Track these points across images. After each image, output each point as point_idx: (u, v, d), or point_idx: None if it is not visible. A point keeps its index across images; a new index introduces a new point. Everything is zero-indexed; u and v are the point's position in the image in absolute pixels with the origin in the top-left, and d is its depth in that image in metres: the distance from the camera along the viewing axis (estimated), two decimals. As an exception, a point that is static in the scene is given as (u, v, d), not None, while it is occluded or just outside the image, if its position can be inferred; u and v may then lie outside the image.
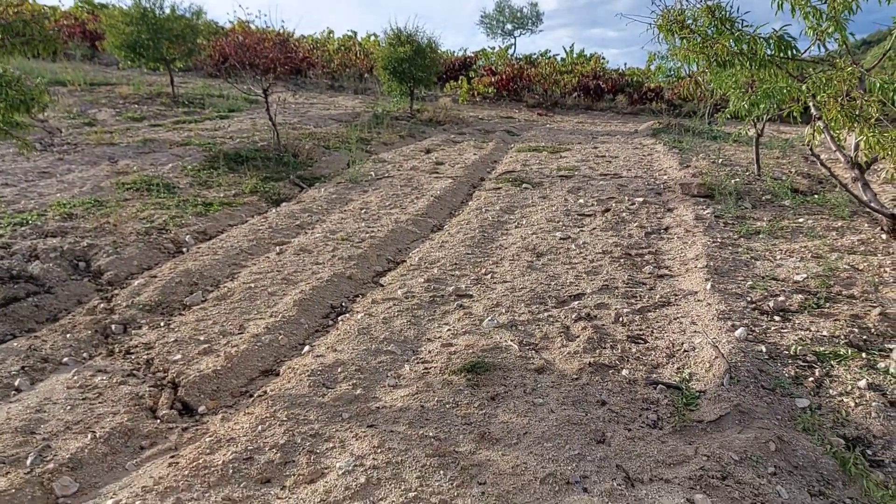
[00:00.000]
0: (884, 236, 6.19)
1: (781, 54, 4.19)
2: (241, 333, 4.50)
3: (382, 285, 5.52)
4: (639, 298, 5.12)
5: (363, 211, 7.67)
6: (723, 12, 4.49)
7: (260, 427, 3.38)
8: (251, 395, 3.84)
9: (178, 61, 14.95)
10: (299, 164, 9.97)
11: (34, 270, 5.13)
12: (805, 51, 4.51)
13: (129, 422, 3.46)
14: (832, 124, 4.31)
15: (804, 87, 4.20)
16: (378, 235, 6.71)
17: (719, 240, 6.47)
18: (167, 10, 14.17)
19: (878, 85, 4.04)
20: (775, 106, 8.05)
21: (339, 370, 3.97)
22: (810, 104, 4.55)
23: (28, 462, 3.10)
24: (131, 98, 14.67)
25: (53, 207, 6.68)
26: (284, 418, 3.45)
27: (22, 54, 4.68)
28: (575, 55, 27.10)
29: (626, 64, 38.22)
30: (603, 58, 25.42)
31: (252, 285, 5.29)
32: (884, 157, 4.33)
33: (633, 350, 4.28)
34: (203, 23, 14.95)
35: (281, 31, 11.98)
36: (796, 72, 4.45)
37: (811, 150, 4.43)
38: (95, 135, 10.47)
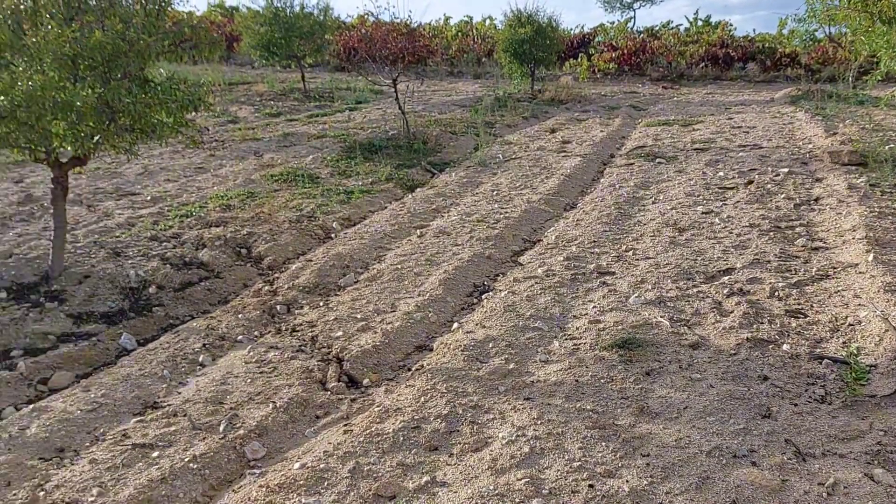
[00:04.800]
0: None
1: (956, 5, 3.88)
2: (394, 311, 4.72)
3: (522, 264, 5.60)
4: (794, 272, 4.92)
5: (495, 193, 7.77)
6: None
7: (422, 399, 3.55)
8: (409, 369, 4.04)
9: (308, 57, 15.63)
10: (428, 150, 10.20)
11: (204, 257, 5.60)
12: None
13: (304, 393, 3.74)
14: None
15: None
16: (512, 216, 6.78)
17: (877, 209, 6.08)
18: (297, 9, 14.82)
19: None
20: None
21: (490, 346, 4.09)
22: None
23: (220, 429, 3.42)
24: (267, 95, 15.49)
25: (213, 199, 7.23)
26: (444, 390, 3.61)
27: (190, 58, 5.10)
28: (700, 23, 25.96)
29: (754, 30, 36.20)
30: (730, 24, 24.20)
31: (398, 267, 5.51)
32: None
33: (793, 324, 4.13)
34: (330, 19, 15.52)
35: (407, 20, 12.28)
36: (973, 23, 4.10)
37: None
38: (240, 131, 11.17)
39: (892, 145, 8.48)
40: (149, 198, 7.40)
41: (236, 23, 16.93)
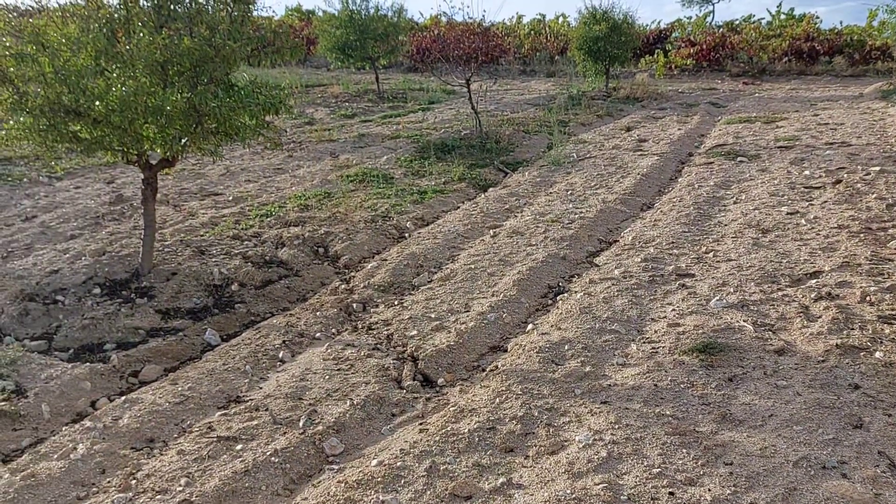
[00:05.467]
0: None
1: None
2: (468, 312, 4.73)
3: (598, 265, 5.52)
4: (887, 276, 4.68)
5: (569, 192, 7.69)
6: None
7: (497, 399, 3.55)
8: (483, 370, 4.04)
9: (382, 59, 15.83)
10: (501, 149, 10.18)
11: (283, 256, 5.76)
12: None
13: (380, 391, 3.80)
14: None
15: None
16: (587, 216, 6.70)
17: (981, 210, 5.73)
18: (371, 11, 15.04)
19: None
20: None
21: (566, 348, 4.05)
22: None
23: (300, 424, 3.51)
24: (342, 97, 15.78)
25: (291, 200, 7.42)
26: (519, 392, 3.60)
27: (269, 62, 5.26)
28: (783, 17, 24.98)
29: (841, 22, 34.61)
30: (816, 17, 23.18)
31: (472, 267, 5.52)
32: None
33: (887, 331, 3.93)
34: (403, 20, 15.68)
35: (481, 20, 12.34)
36: None
37: None
38: (316, 133, 11.42)
39: None
40: (231, 198, 7.65)
41: (313, 26, 17.31)
